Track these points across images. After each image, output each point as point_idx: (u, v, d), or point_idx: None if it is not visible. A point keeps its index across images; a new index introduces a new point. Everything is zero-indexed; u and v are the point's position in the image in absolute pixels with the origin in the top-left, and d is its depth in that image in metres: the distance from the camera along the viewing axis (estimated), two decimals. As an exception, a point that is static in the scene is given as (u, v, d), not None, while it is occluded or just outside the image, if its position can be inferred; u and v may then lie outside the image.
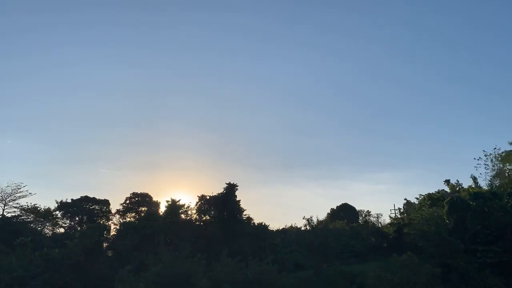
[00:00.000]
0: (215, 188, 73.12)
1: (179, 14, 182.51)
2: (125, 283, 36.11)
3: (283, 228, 74.52)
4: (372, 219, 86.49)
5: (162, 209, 67.59)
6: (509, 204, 47.62)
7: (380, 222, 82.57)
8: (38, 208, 67.80)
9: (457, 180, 57.97)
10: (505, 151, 56.19)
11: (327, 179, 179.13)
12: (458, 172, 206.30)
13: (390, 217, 75.10)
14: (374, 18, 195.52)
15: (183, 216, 64.95)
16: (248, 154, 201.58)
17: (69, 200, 68.69)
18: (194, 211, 66.56)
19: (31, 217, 67.74)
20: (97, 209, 68.93)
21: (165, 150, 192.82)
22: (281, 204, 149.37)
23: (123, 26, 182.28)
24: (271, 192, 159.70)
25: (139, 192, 70.24)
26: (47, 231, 68.22)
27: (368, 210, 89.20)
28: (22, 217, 67.25)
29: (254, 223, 63.12)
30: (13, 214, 66.73)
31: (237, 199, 65.23)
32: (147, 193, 70.33)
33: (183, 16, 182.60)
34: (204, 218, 63.86)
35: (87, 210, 68.26)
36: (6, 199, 65.67)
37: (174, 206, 64.96)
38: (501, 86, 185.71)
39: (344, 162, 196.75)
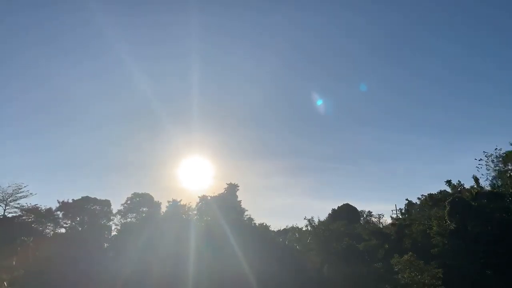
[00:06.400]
0: (216, 188, 73.01)
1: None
2: None
3: (284, 229, 74.51)
4: (373, 219, 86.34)
5: (163, 209, 67.75)
6: (511, 205, 47.49)
7: (381, 223, 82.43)
8: (39, 208, 67.81)
9: (458, 181, 57.77)
10: (506, 151, 55.94)
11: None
12: (459, 173, 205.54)
13: (391, 217, 75.06)
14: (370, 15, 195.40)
15: (184, 216, 65.05)
16: (249, 152, 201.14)
17: (70, 201, 68.64)
18: (195, 212, 66.68)
19: (32, 217, 67.72)
20: (98, 210, 68.88)
21: (165, 150, 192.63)
22: (282, 204, 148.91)
23: (120, 26, 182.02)
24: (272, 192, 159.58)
25: (140, 192, 70.28)
26: (48, 231, 68.23)
27: (369, 211, 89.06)
28: (23, 218, 67.22)
29: (255, 223, 63.14)
30: (14, 214, 66.75)
31: (238, 199, 65.36)
32: (148, 193, 70.39)
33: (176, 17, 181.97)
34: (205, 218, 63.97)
35: (88, 210, 68.21)
36: (7, 199, 65.63)
37: (175, 207, 65.10)
38: (504, 85, 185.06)
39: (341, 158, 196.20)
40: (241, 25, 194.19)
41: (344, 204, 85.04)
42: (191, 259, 53.20)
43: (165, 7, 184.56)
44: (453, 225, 46.50)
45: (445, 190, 58.58)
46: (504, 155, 55.40)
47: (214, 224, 59.80)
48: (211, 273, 51.40)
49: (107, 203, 69.66)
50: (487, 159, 56.78)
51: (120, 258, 55.74)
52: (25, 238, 55.24)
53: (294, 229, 71.55)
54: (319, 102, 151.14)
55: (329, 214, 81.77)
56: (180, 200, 66.99)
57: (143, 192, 70.48)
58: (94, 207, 68.76)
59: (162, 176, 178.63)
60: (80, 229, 66.54)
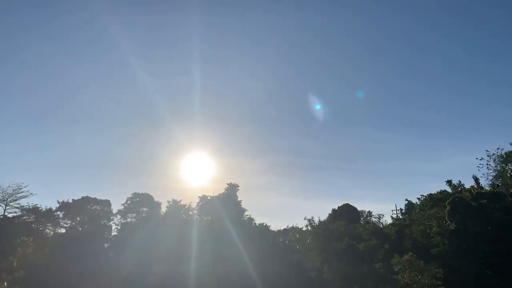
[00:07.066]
0: (216, 188, 73.08)
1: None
2: None
3: (284, 229, 74.51)
4: (373, 219, 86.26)
5: (163, 209, 67.68)
6: (511, 205, 47.44)
7: (381, 223, 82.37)
8: (39, 208, 67.90)
9: (459, 181, 57.69)
10: (507, 151, 55.99)
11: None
12: (459, 173, 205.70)
13: (391, 217, 74.99)
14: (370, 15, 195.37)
15: (184, 216, 64.97)
16: (249, 151, 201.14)
17: (70, 201, 68.68)
18: (195, 211, 66.64)
19: (32, 217, 67.83)
20: (98, 210, 68.89)
21: (165, 149, 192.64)
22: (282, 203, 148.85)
23: (123, 25, 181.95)
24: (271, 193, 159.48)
25: (140, 192, 70.24)
26: (48, 231, 68.30)
27: (369, 211, 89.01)
28: (23, 218, 67.34)
29: (255, 223, 63.11)
30: (14, 214, 66.90)
31: (238, 199, 65.28)
32: (148, 193, 70.35)
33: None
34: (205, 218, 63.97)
35: (88, 210, 68.22)
36: (7, 199, 65.84)
37: (175, 206, 65.02)
38: (504, 85, 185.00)
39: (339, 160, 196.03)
40: (241, 25, 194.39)
41: (344, 204, 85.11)
42: (191, 259, 53.19)
43: (167, 6, 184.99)
44: (453, 225, 46.46)
45: (445, 190, 58.52)
46: (504, 155, 55.48)
47: (214, 224, 59.81)
48: (211, 273, 51.42)
49: (107, 203, 69.66)
50: (489, 158, 56.87)
51: (120, 258, 55.70)
52: (25, 238, 55.24)
53: (294, 229, 71.55)
54: (318, 107, 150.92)
55: (329, 214, 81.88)
56: (180, 200, 66.92)
57: (143, 192, 70.51)
58: (94, 207, 68.78)
59: (162, 176, 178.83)
60: (80, 229, 66.51)
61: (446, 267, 42.63)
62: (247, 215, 64.81)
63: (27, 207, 66.88)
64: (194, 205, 67.09)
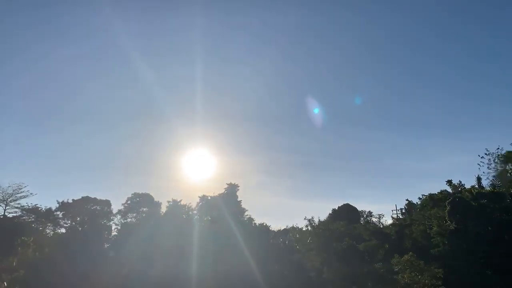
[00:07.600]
0: (216, 188, 72.91)
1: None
2: None
3: (284, 229, 74.47)
4: (373, 219, 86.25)
5: (163, 209, 67.66)
6: (511, 205, 47.44)
7: (381, 223, 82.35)
8: (39, 208, 67.87)
9: (459, 181, 57.66)
10: (506, 151, 56.03)
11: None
12: (460, 173, 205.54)
13: (391, 217, 75.01)
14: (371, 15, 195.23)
15: (184, 216, 64.98)
16: (250, 151, 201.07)
17: (70, 201, 68.63)
18: (195, 212, 66.65)
19: (32, 218, 67.82)
20: (98, 210, 68.85)
21: (166, 149, 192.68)
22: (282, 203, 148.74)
23: (123, 21, 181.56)
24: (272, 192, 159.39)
25: (140, 193, 70.19)
26: (48, 231, 68.30)
27: (369, 211, 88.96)
28: (23, 218, 67.35)
29: (255, 223, 63.09)
30: (14, 214, 66.91)
31: (238, 199, 65.31)
32: (148, 193, 70.30)
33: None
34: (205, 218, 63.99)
35: (88, 210, 68.18)
36: (7, 199, 65.91)
37: (175, 207, 65.03)
38: (504, 85, 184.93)
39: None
40: (241, 23, 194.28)
41: (344, 204, 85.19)
42: (192, 259, 53.20)
43: (168, 5, 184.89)
44: (453, 225, 46.45)
45: (445, 190, 58.51)
46: (504, 155, 55.52)
47: (215, 223, 59.81)
48: (211, 273, 51.40)
49: (107, 203, 69.56)
50: (489, 158, 56.92)
51: (120, 258, 55.70)
52: (25, 238, 55.27)
53: (294, 229, 71.52)
54: (316, 110, 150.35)
55: (329, 214, 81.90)
56: (180, 200, 66.91)
57: (143, 192, 70.47)
58: (94, 207, 68.67)
59: (162, 176, 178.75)
60: (80, 229, 66.46)
61: (446, 267, 42.62)
62: (247, 215, 64.91)
63: (27, 207, 66.95)
64: (194, 205, 67.16)
